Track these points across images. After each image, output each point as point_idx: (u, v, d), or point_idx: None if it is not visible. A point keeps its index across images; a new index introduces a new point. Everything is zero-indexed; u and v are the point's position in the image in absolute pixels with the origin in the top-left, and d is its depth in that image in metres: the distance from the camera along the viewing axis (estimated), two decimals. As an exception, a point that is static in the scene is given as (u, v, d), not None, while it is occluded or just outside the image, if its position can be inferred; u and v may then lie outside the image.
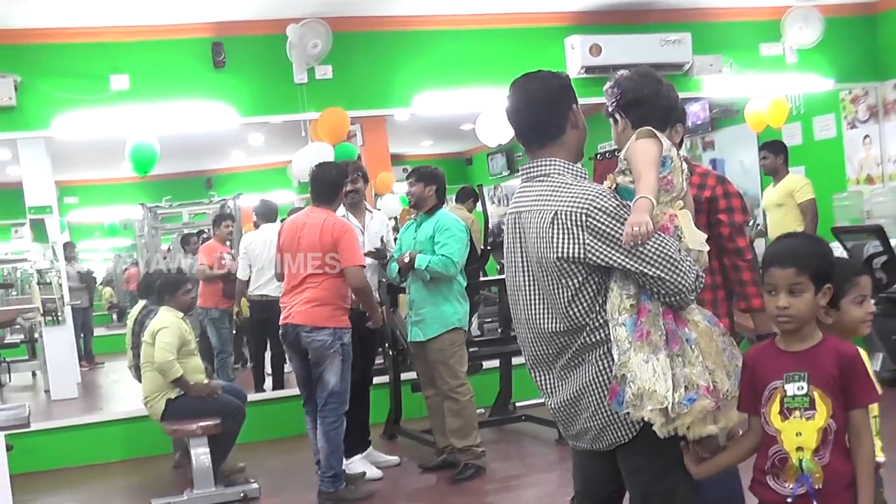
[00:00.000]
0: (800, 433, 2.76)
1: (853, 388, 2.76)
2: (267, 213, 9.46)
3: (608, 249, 2.85)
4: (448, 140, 14.38)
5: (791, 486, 2.79)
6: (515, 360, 7.63)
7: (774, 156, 8.56)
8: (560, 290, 2.95)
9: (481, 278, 7.96)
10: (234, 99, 7.88)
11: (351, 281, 6.01)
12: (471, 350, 6.86)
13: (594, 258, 2.87)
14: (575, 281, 2.92)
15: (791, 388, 2.78)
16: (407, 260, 6.31)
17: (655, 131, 2.98)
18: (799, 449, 2.77)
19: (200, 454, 6.31)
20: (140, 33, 7.69)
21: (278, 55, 7.87)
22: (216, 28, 7.83)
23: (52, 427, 7.86)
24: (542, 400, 6.85)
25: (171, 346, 6.33)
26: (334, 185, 6.19)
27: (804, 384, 2.77)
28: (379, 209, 8.77)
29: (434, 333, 6.36)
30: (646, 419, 2.79)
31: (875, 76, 9.42)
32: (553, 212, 2.93)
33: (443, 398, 6.49)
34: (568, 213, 2.89)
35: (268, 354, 9.43)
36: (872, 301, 3.10)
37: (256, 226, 9.60)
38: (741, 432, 2.98)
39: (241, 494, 6.37)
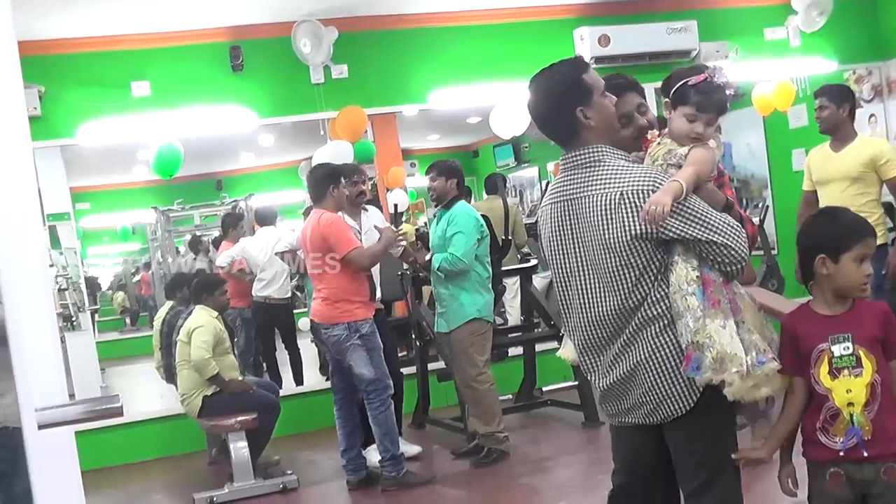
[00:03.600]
0: (849, 390, 2.98)
1: (891, 341, 3.02)
2: (265, 217, 9.60)
3: (677, 222, 2.96)
4: (455, 133, 14.47)
5: (841, 439, 3.00)
6: (539, 347, 7.81)
7: (837, 105, 6.43)
8: (628, 269, 3.04)
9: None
10: (252, 101, 8.03)
11: (355, 266, 6.15)
12: (494, 338, 7.01)
13: (668, 233, 2.97)
14: (643, 259, 3.02)
15: (837, 349, 2.99)
16: (427, 258, 6.51)
17: (716, 137, 3.15)
18: (849, 405, 2.98)
19: (239, 448, 6.46)
20: (159, 40, 7.84)
21: (294, 57, 8.01)
22: (233, 32, 7.97)
23: (83, 429, 7.96)
24: (567, 384, 6.96)
25: (208, 344, 6.49)
26: (322, 183, 6.32)
27: (849, 344, 2.99)
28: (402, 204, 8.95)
29: (455, 325, 6.53)
30: (726, 382, 2.93)
31: (879, 56, 9.56)
32: (619, 192, 3.01)
33: (463, 387, 6.66)
34: (635, 191, 2.99)
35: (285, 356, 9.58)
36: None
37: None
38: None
39: (281, 486, 6.53)
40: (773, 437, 3.15)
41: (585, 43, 8.51)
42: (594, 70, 3.25)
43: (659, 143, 3.22)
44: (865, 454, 2.98)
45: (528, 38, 8.56)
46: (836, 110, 6.37)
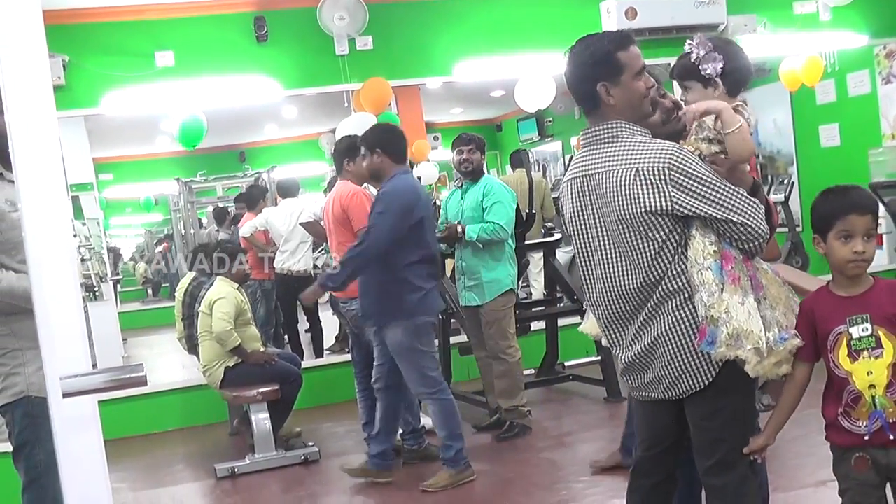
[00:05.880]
0: (870, 371, 2.93)
1: None
2: (288, 188, 9.60)
3: (692, 200, 2.98)
4: (478, 107, 14.46)
5: (864, 423, 2.96)
6: (561, 322, 7.77)
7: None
8: (646, 244, 3.06)
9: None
10: (277, 72, 8.00)
11: None
12: (518, 312, 6.99)
13: (681, 209, 2.99)
14: (661, 234, 3.04)
15: (856, 331, 2.95)
16: (460, 230, 6.46)
17: (744, 108, 3.13)
18: (871, 387, 2.94)
19: (261, 419, 6.47)
20: (183, 10, 7.82)
21: (319, 28, 7.96)
22: (258, 2, 7.94)
23: (105, 399, 7.98)
24: (590, 359, 6.91)
25: (229, 315, 6.49)
26: (343, 154, 6.33)
27: (868, 325, 2.94)
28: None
29: (491, 297, 6.52)
30: (742, 358, 2.94)
31: (909, 31, 9.45)
32: (634, 168, 3.03)
33: (492, 359, 6.65)
34: (649, 167, 3.00)
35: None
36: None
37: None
38: None
39: (302, 457, 6.54)
40: (772, 422, 3.15)
41: (612, 16, 8.40)
42: (636, 49, 3.20)
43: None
44: (891, 437, 2.93)
45: (553, 12, 8.43)
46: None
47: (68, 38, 7.47)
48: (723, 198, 2.98)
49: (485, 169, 6.97)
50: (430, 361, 5.66)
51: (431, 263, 5.65)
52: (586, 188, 3.20)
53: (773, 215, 3.31)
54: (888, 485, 3.05)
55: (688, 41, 3.28)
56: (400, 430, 6.31)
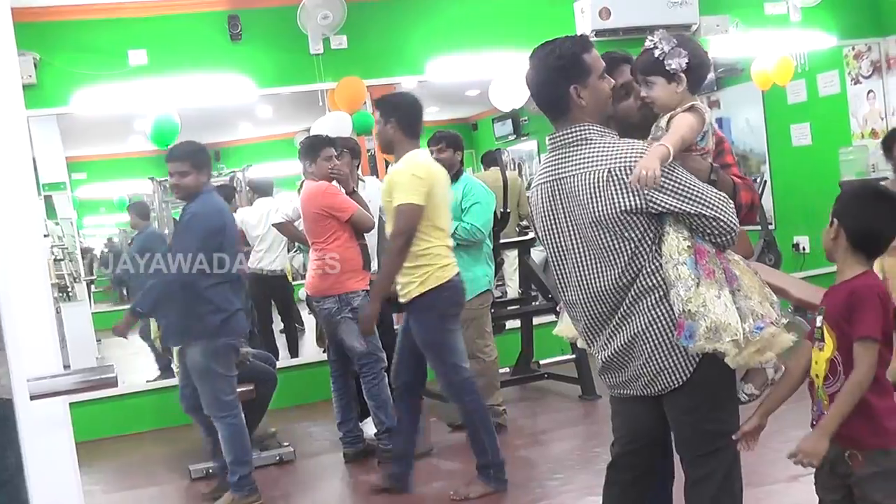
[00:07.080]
0: (816, 362, 3.03)
1: (853, 320, 2.93)
2: (262, 188, 9.58)
3: (665, 196, 3.01)
4: (453, 106, 14.43)
5: (815, 407, 3.06)
6: (536, 320, 7.79)
7: (384, 119, 5.25)
8: (622, 244, 3.08)
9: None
10: (251, 71, 7.98)
11: (360, 228, 6.21)
12: (493, 311, 6.99)
13: (655, 206, 3.03)
14: (637, 232, 3.07)
15: (818, 321, 3.04)
16: None
17: (700, 105, 3.15)
18: (817, 376, 3.03)
19: (236, 419, 6.45)
20: (157, 8, 7.79)
21: (293, 27, 7.95)
22: (232, 1, 7.92)
23: (78, 400, 7.93)
24: (565, 357, 6.92)
25: (204, 315, 6.46)
26: (303, 156, 6.37)
27: (821, 317, 3.02)
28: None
29: (470, 296, 6.49)
30: (720, 351, 2.97)
31: (878, 32, 9.52)
32: (607, 170, 3.05)
33: (469, 358, 6.64)
34: (621, 167, 3.03)
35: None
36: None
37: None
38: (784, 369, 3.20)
39: (278, 458, 6.53)
40: (768, 399, 3.18)
41: (586, 16, 8.43)
42: (596, 51, 3.26)
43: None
44: None
45: (527, 11, 8.47)
46: (383, 125, 5.25)
47: (39, 36, 7.42)
48: (695, 193, 3.03)
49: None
50: (226, 385, 5.66)
51: (236, 285, 5.66)
52: (557, 192, 3.21)
53: (743, 193, 3.32)
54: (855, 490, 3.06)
55: (648, 37, 3.30)
56: (374, 430, 6.32)
